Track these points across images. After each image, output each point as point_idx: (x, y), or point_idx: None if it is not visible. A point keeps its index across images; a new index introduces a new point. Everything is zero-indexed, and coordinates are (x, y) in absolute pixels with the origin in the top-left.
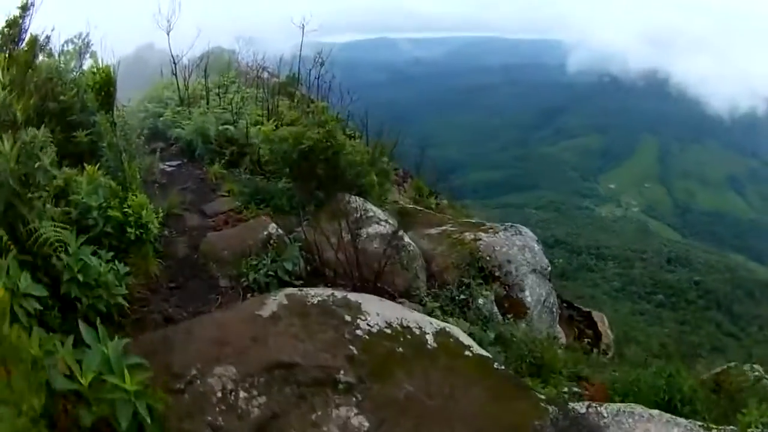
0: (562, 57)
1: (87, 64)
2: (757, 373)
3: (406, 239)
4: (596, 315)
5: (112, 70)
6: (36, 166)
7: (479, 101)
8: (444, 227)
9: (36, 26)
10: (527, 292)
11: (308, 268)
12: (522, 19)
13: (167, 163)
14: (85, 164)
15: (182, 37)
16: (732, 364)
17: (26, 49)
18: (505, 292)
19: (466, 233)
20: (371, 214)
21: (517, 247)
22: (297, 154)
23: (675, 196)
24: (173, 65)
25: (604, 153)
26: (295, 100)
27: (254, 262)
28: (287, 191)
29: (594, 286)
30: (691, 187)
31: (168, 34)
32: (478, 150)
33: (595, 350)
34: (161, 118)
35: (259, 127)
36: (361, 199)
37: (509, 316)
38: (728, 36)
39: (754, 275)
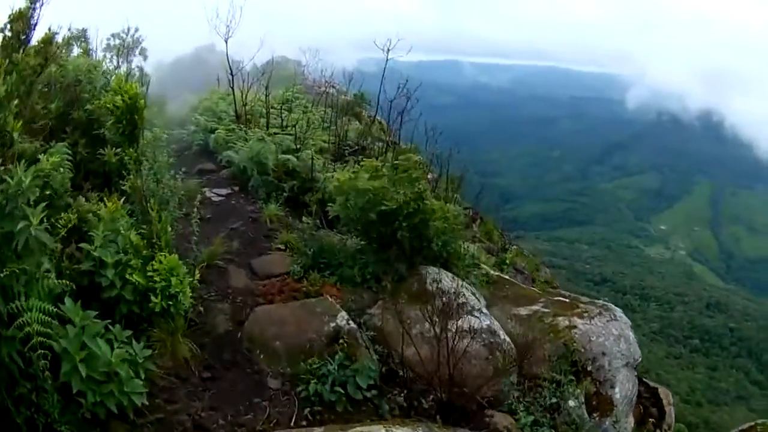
0: (623, 92)
1: (136, 62)
2: None
3: (501, 335)
4: (662, 391)
5: (139, 90)
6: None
7: (540, 132)
8: (535, 307)
9: (61, 20)
10: (617, 389)
11: (382, 368)
12: (583, 50)
13: (214, 191)
14: (113, 189)
15: (242, 45)
16: (760, 421)
17: (38, 47)
18: (595, 389)
19: (560, 318)
20: (463, 299)
21: (614, 336)
22: (376, 215)
23: (721, 241)
24: (230, 75)
25: (659, 193)
26: (362, 122)
27: (316, 365)
28: (359, 257)
29: (636, 327)
30: (738, 232)
31: (226, 42)
32: (535, 181)
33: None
34: (213, 135)
35: (332, 174)
36: (450, 275)
37: (595, 414)
38: None
39: None
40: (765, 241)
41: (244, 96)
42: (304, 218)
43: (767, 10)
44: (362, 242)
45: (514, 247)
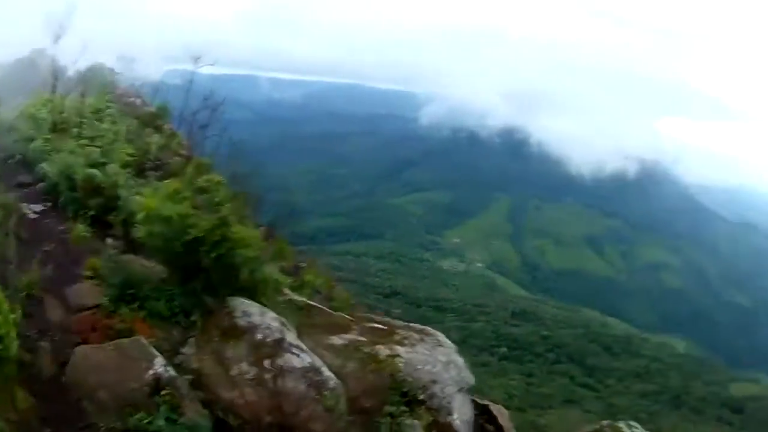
0: (417, 109)
1: None
2: (638, 430)
3: (325, 372)
4: (494, 408)
5: None
6: None
7: (330, 148)
8: (349, 335)
9: None
10: (455, 415)
11: (210, 414)
12: (383, 67)
13: (31, 207)
14: None
15: (72, 47)
16: (606, 422)
17: None
18: (432, 418)
19: (379, 346)
20: (278, 335)
21: (441, 363)
22: (182, 245)
23: (524, 254)
24: (54, 79)
25: (451, 208)
26: (163, 136)
27: (146, 420)
28: (166, 289)
29: None
30: (544, 245)
31: (57, 42)
32: (322, 197)
33: None
34: (32, 145)
35: (136, 194)
36: (259, 307)
37: None
38: (595, 97)
39: (610, 330)
40: (572, 253)
41: (61, 103)
42: (109, 241)
43: (577, 30)
44: (168, 271)
45: (309, 266)
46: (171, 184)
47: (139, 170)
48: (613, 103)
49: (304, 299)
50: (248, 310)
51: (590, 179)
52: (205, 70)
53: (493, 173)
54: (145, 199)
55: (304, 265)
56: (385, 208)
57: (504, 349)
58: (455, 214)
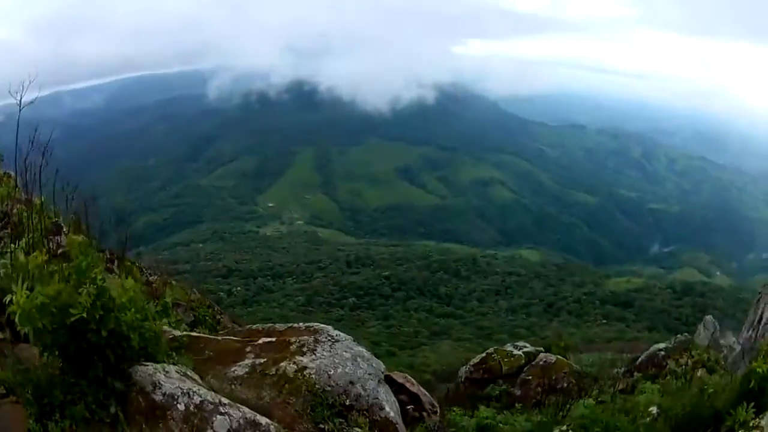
0: (204, 85)
1: None
2: (526, 349)
3: (261, 420)
4: (398, 377)
5: None
6: None
7: (137, 143)
8: (247, 360)
9: None
10: (387, 408)
11: None
12: (171, 52)
13: None
14: None
15: None
16: (491, 349)
17: None
18: (368, 419)
19: (282, 363)
20: (197, 398)
21: (349, 360)
22: (67, 332)
23: (340, 201)
24: None
25: (258, 174)
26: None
27: None
28: (73, 385)
29: (281, 305)
30: (358, 188)
31: None
32: (140, 194)
33: (425, 414)
34: None
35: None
36: (158, 368)
37: None
38: (381, 31)
39: (452, 255)
40: (389, 189)
41: None
42: None
43: None
44: (61, 361)
45: (163, 281)
46: (33, 259)
47: None
48: (403, 34)
49: (184, 332)
50: (155, 379)
51: (389, 114)
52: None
53: (290, 129)
54: (15, 295)
55: (153, 279)
56: (197, 189)
57: (352, 299)
58: (264, 179)
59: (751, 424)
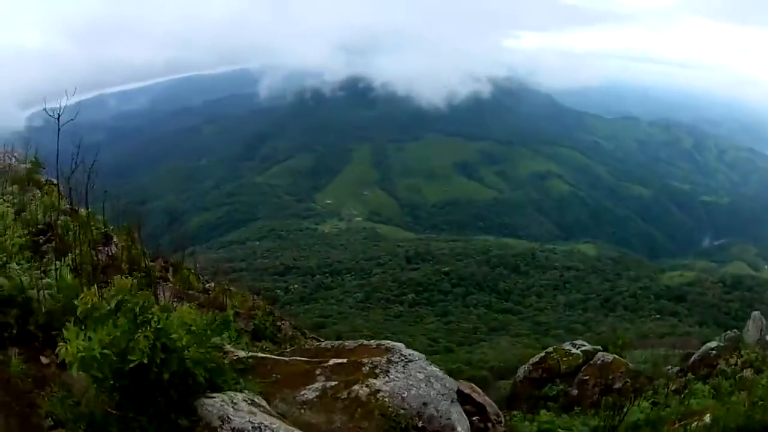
0: (255, 84)
1: None
2: (585, 347)
3: None
4: (465, 387)
5: None
6: None
7: (186, 144)
8: (318, 384)
9: None
10: (459, 428)
11: None
12: (216, 54)
13: None
14: None
15: None
16: (551, 348)
17: None
18: None
19: (355, 387)
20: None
21: (423, 381)
22: (126, 377)
23: (399, 197)
24: None
25: (314, 171)
26: (43, 192)
27: None
28: (134, 424)
29: (339, 302)
30: (416, 183)
31: None
32: (193, 194)
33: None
34: None
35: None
36: (225, 399)
37: None
38: (432, 27)
39: (510, 250)
40: (447, 185)
41: None
42: (44, 361)
43: None
44: (117, 399)
45: (221, 288)
46: (84, 300)
47: (35, 248)
48: (454, 30)
49: (249, 353)
50: (223, 413)
51: (445, 109)
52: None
53: (346, 126)
54: (69, 346)
55: (210, 285)
56: (252, 188)
57: (411, 295)
58: (321, 176)
59: None
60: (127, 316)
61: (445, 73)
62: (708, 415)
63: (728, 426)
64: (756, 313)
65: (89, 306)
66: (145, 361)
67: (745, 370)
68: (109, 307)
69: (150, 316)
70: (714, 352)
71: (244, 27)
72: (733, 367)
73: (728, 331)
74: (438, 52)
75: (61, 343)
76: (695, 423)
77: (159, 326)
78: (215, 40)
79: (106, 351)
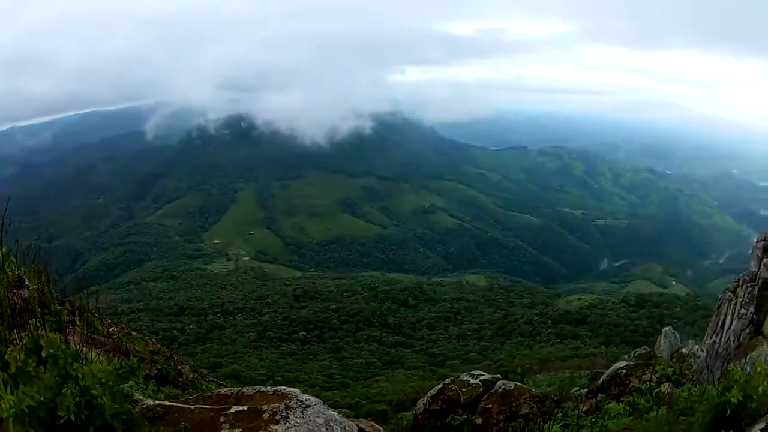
0: (144, 122)
1: None
2: (484, 377)
3: None
4: (366, 425)
5: None
6: None
7: (86, 181)
8: (223, 431)
9: None
10: None
11: None
12: (115, 88)
13: None
14: None
15: None
16: (448, 380)
17: None
18: None
19: None
20: None
21: (323, 426)
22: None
23: (284, 235)
24: None
25: (202, 210)
26: None
27: None
28: None
29: (233, 342)
30: (300, 222)
31: None
32: (91, 233)
33: None
34: None
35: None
36: None
37: None
38: (317, 64)
39: (399, 285)
40: (329, 221)
41: None
42: None
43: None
44: None
45: (124, 333)
46: (13, 357)
47: None
48: (339, 66)
49: (157, 401)
50: None
51: (328, 146)
52: None
53: (231, 165)
54: (2, 402)
55: (113, 330)
56: (144, 228)
57: (302, 333)
58: (208, 215)
59: None
60: (54, 371)
61: (327, 110)
62: None
63: None
64: (667, 328)
65: (20, 362)
66: (72, 418)
67: (662, 385)
68: (34, 364)
69: (73, 372)
70: (624, 371)
71: (139, 63)
72: (647, 383)
73: (638, 349)
74: (321, 90)
75: None
76: None
77: (84, 383)
78: (113, 75)
79: (34, 404)
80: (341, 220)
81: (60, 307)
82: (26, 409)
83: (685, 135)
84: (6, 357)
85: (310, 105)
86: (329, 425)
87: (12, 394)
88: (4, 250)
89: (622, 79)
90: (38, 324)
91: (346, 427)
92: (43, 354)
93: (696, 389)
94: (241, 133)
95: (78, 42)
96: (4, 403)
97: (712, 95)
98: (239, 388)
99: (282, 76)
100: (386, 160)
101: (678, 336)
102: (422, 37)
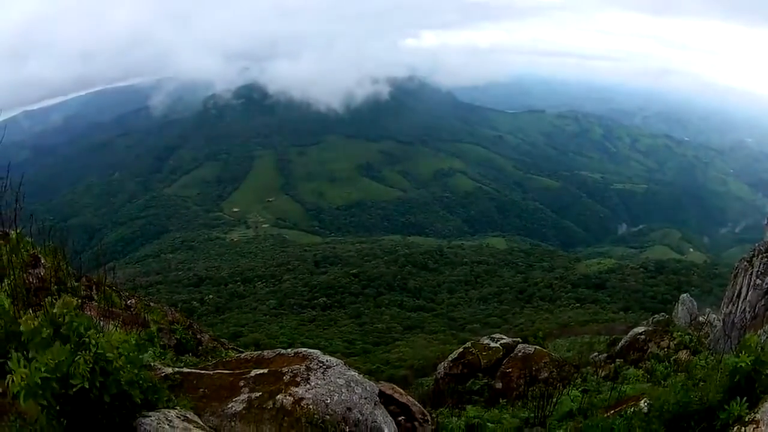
0: (155, 98)
1: None
2: (504, 340)
3: None
4: (386, 387)
5: None
6: None
7: (100, 159)
8: (243, 396)
9: None
10: (386, 430)
11: None
12: (122, 68)
13: None
14: None
15: None
16: (468, 344)
17: None
18: None
19: (278, 396)
20: None
21: (344, 387)
22: (70, 403)
23: (303, 201)
24: None
25: (219, 180)
26: None
27: None
28: None
29: (253, 310)
30: (319, 187)
31: None
32: (108, 209)
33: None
34: None
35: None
36: (164, 421)
37: None
38: (329, 31)
39: (419, 249)
40: (349, 186)
41: None
42: None
43: None
44: (67, 424)
45: (143, 304)
46: (26, 324)
47: None
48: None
49: (176, 369)
50: (160, 431)
51: (344, 111)
52: None
53: (247, 134)
54: (14, 376)
55: (131, 302)
56: (162, 200)
57: (323, 299)
58: (226, 185)
59: (746, 419)
60: (70, 338)
61: (342, 76)
62: (644, 399)
63: (666, 409)
64: (684, 295)
65: (32, 329)
66: (86, 386)
67: (679, 352)
68: (48, 331)
69: (88, 339)
70: (643, 336)
71: (144, 39)
72: (665, 350)
73: (656, 315)
74: (335, 56)
75: (8, 377)
76: (631, 408)
77: (98, 350)
78: (118, 53)
79: (48, 376)
80: (361, 185)
81: (77, 283)
82: (39, 382)
83: (701, 103)
84: (21, 324)
85: (323, 72)
86: (350, 385)
87: (25, 367)
88: (18, 230)
89: (637, 46)
90: (53, 301)
91: (367, 387)
92: (58, 318)
93: (712, 357)
94: (254, 102)
95: (80, 22)
96: (15, 376)
97: (727, 64)
98: (259, 352)
99: (292, 44)
100: (404, 124)
101: (695, 303)
102: (435, 1)
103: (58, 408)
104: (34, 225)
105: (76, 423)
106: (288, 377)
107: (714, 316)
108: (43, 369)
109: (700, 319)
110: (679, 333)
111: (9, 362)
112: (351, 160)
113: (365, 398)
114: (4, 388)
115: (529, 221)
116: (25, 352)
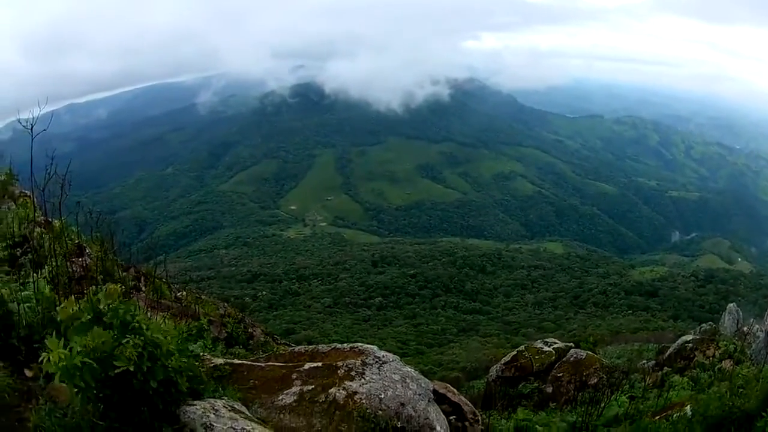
0: (203, 94)
1: None
2: (557, 345)
3: None
4: (439, 386)
5: None
6: None
7: (151, 154)
8: (295, 388)
9: None
10: (438, 427)
11: None
12: (172, 64)
13: None
14: None
15: None
16: (522, 347)
17: None
18: None
19: (331, 390)
20: None
21: (399, 382)
22: (110, 386)
23: (363, 201)
24: None
25: (277, 177)
26: (17, 204)
27: None
28: (113, 430)
29: (307, 308)
30: (379, 187)
31: None
32: (160, 203)
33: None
34: None
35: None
36: (210, 410)
37: None
38: (388, 31)
39: (476, 251)
40: (409, 187)
41: None
42: (29, 374)
43: None
44: (105, 409)
45: (193, 297)
46: (65, 309)
47: (12, 260)
48: (411, 33)
49: (226, 360)
50: (206, 420)
51: (404, 112)
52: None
53: (307, 132)
54: (51, 356)
55: (181, 295)
56: (217, 196)
57: (379, 299)
58: (284, 182)
59: None
60: (113, 325)
61: (401, 77)
62: (688, 406)
63: (709, 415)
64: (731, 305)
65: (71, 314)
66: (131, 369)
67: (723, 362)
68: (89, 316)
69: (137, 324)
70: (690, 345)
71: (192, 37)
72: (711, 359)
73: (703, 324)
74: (391, 56)
75: (43, 354)
76: (676, 414)
77: (149, 334)
78: (165, 51)
79: (87, 359)
80: (421, 186)
81: (124, 273)
82: (79, 364)
83: (753, 111)
84: (58, 309)
85: (381, 72)
86: (405, 381)
87: (65, 347)
88: (63, 219)
89: (690, 51)
90: (98, 290)
91: (422, 384)
92: (101, 306)
93: (754, 368)
94: (311, 101)
95: (125, 19)
96: (53, 356)
97: None
98: (314, 346)
99: (348, 44)
100: (464, 126)
101: (741, 314)
102: (496, 3)
103: (95, 392)
104: (80, 215)
105: (114, 408)
106: (343, 371)
107: (757, 326)
108: (82, 350)
109: (744, 329)
110: (725, 342)
111: (46, 342)
112: (411, 160)
113: (419, 395)
114: (35, 372)
115: (586, 226)
116: (63, 337)
